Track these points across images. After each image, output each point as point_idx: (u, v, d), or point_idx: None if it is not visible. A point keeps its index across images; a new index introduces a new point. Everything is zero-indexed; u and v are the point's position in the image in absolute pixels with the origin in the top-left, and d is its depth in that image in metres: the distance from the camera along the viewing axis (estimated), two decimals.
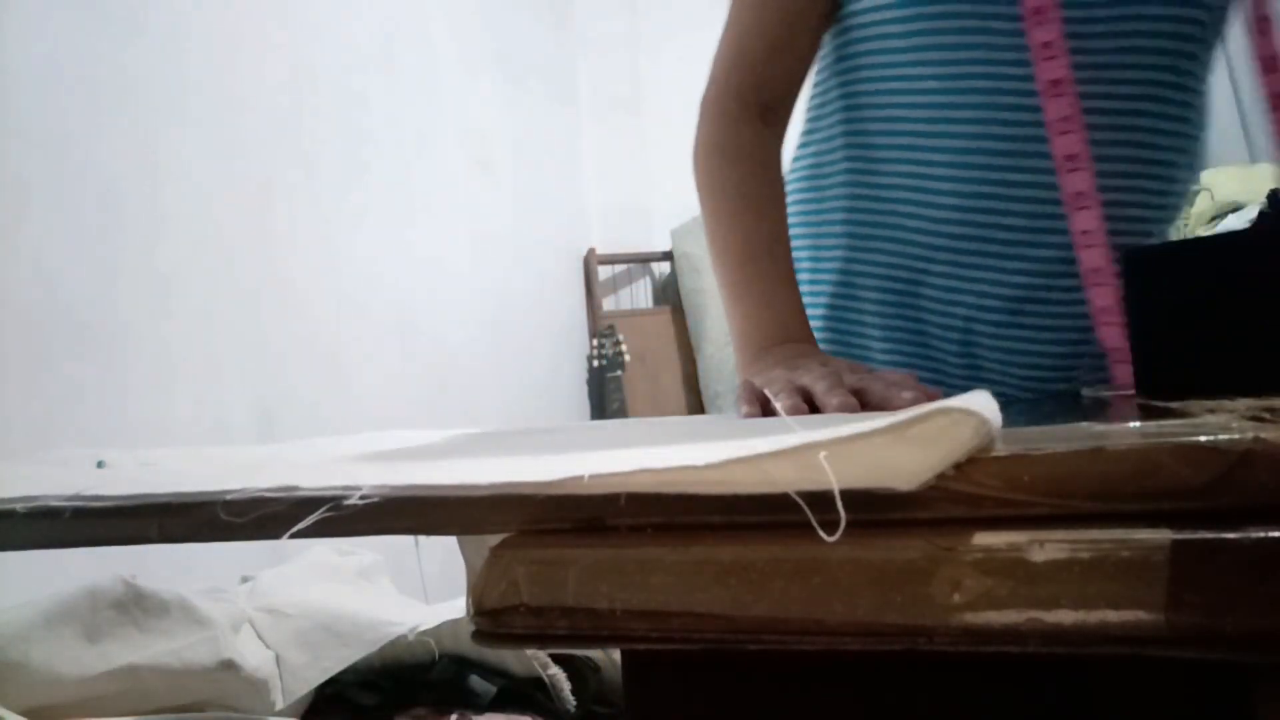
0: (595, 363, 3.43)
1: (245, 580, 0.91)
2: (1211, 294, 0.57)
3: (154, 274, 1.54)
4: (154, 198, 1.56)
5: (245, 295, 1.74)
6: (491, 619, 0.32)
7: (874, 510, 0.28)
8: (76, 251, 1.40)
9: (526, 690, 0.72)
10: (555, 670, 0.72)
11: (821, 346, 0.84)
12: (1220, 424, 0.30)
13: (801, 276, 0.90)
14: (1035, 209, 0.82)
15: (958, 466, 0.28)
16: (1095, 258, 0.74)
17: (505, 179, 2.84)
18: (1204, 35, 0.82)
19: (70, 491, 0.42)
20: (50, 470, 0.57)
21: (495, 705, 0.70)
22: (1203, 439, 0.26)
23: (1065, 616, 0.26)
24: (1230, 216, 2.29)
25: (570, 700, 0.71)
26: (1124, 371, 0.73)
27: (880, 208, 0.89)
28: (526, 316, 2.91)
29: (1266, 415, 0.32)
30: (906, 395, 0.59)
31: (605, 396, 3.33)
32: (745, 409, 0.64)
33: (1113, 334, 0.74)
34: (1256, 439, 0.26)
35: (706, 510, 0.30)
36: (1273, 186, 0.76)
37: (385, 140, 2.26)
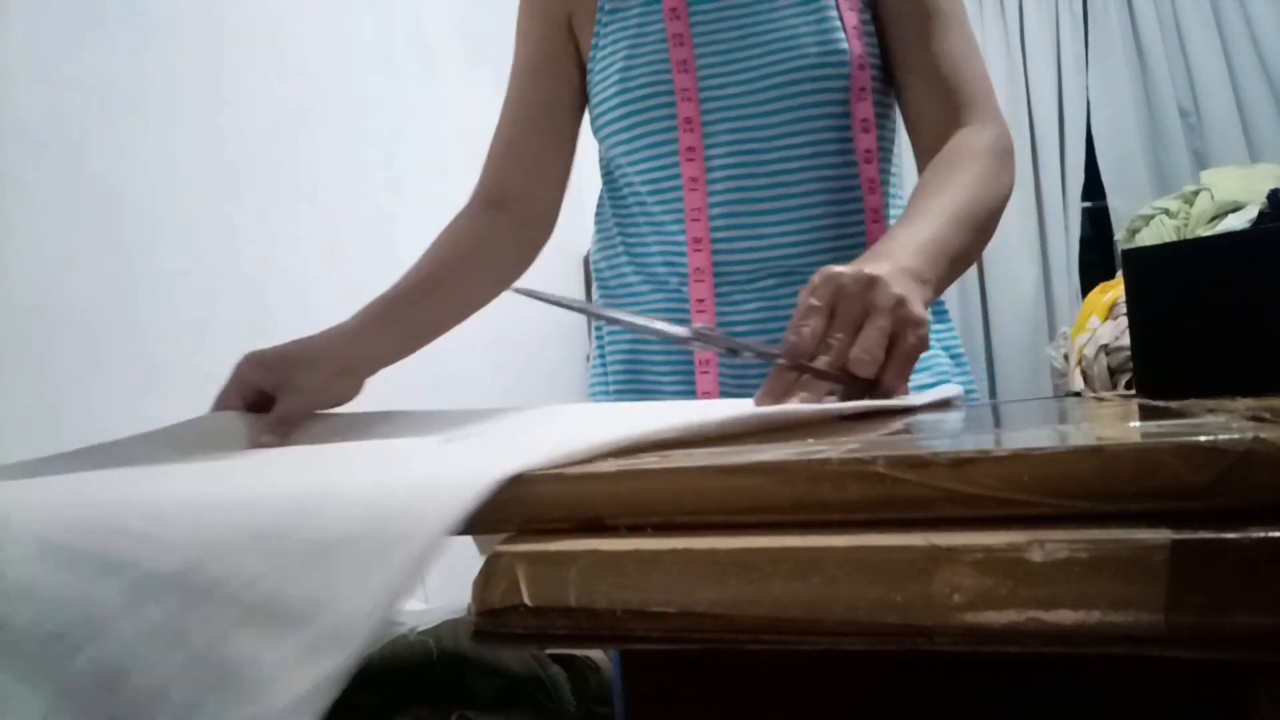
0: None
1: None
2: (1211, 294, 0.57)
3: (155, 273, 1.54)
4: (154, 197, 1.56)
5: (247, 294, 1.74)
6: (492, 619, 0.32)
7: (874, 510, 0.28)
8: (76, 251, 1.40)
9: (526, 690, 0.72)
10: (555, 670, 0.72)
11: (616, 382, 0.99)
12: (1220, 424, 0.30)
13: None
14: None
15: (958, 466, 0.28)
16: (699, 260, 0.94)
17: None
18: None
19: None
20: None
21: (495, 705, 0.70)
22: (1203, 439, 0.26)
23: (1065, 616, 0.26)
24: (1230, 216, 2.28)
25: (570, 700, 0.71)
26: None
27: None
28: (526, 316, 2.91)
29: (1266, 415, 0.32)
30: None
31: None
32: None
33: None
34: (1256, 439, 0.26)
35: (706, 510, 0.30)
36: (1273, 186, 0.76)
37: (385, 140, 2.26)
